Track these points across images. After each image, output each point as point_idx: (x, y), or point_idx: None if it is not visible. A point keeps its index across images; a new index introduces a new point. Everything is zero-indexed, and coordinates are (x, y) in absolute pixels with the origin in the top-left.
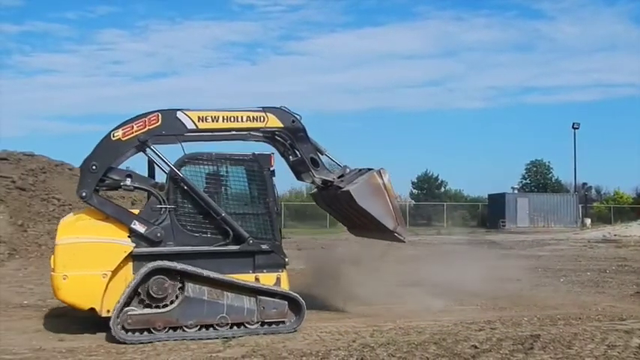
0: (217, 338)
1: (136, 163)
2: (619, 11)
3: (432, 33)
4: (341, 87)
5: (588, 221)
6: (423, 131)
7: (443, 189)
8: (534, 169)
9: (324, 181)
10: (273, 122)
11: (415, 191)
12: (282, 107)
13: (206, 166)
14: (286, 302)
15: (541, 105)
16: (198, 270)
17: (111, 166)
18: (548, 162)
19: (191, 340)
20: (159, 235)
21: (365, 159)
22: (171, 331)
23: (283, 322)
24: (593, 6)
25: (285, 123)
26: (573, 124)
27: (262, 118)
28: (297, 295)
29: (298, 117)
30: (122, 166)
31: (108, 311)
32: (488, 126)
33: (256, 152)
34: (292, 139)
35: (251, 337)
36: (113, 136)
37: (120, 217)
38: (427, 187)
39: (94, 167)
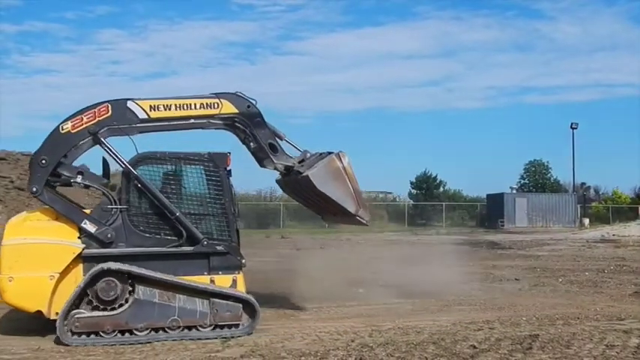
0: (166, 340)
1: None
2: (619, 11)
3: (432, 33)
4: (341, 87)
5: (587, 221)
6: (422, 131)
7: (442, 189)
8: (533, 169)
9: (286, 167)
10: (228, 108)
11: (414, 191)
12: (237, 92)
13: (160, 166)
14: (240, 305)
15: (540, 105)
16: (148, 272)
17: (62, 162)
18: (547, 162)
19: (140, 341)
20: (109, 235)
21: (365, 158)
22: (120, 334)
23: (237, 325)
24: (593, 6)
25: (240, 108)
26: (572, 124)
27: (216, 105)
28: (251, 298)
29: (254, 102)
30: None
31: (57, 314)
32: (487, 126)
33: (212, 152)
34: (249, 125)
35: (250, 336)
36: (62, 129)
37: (70, 216)
38: (426, 186)
39: (43, 162)
